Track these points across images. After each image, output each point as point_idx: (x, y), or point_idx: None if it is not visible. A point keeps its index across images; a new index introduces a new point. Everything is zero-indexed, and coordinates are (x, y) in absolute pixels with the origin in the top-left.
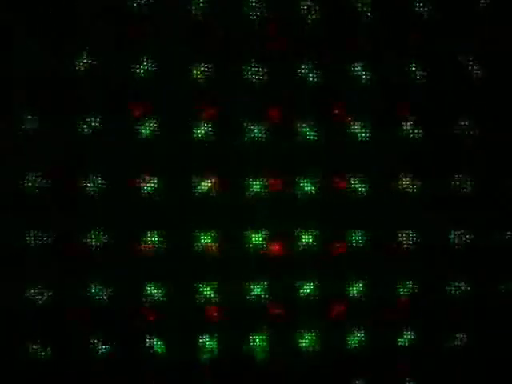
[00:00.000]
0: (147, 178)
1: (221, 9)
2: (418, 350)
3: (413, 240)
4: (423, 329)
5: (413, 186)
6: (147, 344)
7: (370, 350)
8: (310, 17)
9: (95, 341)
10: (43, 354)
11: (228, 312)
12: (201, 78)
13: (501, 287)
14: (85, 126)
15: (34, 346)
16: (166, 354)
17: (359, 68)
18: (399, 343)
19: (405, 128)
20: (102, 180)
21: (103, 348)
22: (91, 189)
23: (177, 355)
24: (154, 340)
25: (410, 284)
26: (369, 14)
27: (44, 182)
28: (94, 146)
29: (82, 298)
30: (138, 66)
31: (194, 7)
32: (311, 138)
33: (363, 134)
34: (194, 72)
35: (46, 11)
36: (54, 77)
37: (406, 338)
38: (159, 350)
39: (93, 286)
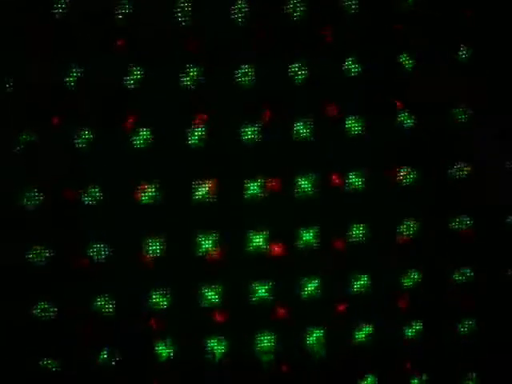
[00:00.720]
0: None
1: (208, 12)
2: (424, 342)
3: (413, 231)
4: (428, 320)
5: (409, 177)
6: (153, 349)
7: (376, 344)
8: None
9: (101, 351)
10: (51, 367)
11: (233, 314)
12: (192, 84)
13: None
14: (81, 138)
15: (41, 360)
16: (170, 359)
17: (350, 63)
18: (406, 336)
19: (399, 120)
20: (100, 191)
21: (107, 355)
22: (90, 200)
23: (182, 359)
24: (159, 345)
25: (412, 276)
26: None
27: (42, 195)
28: (90, 158)
29: (87, 309)
30: (128, 75)
31: (180, 12)
32: (305, 135)
33: (357, 129)
34: (185, 77)
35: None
36: (45, 89)
37: (413, 330)
38: (164, 354)
39: (97, 296)
